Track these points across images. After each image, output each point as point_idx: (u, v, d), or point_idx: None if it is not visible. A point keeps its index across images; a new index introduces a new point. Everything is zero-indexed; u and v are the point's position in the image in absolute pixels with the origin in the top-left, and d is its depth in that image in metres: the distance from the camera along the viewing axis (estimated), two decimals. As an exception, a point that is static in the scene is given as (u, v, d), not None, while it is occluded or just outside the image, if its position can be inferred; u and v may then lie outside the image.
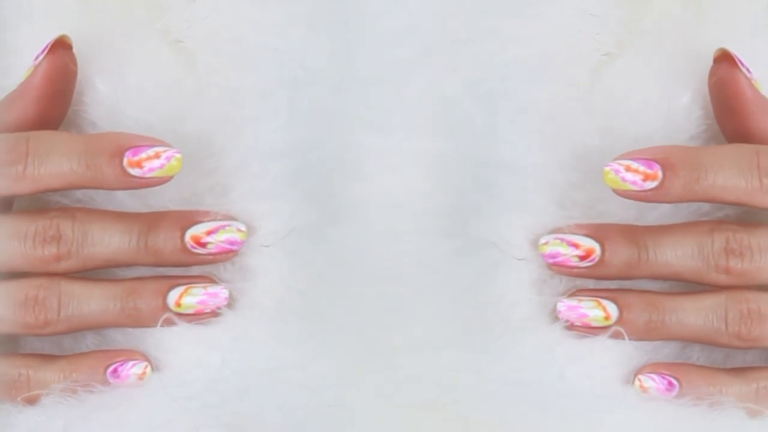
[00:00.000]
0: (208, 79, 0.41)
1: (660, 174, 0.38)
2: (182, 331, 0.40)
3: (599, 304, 0.40)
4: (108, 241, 0.39)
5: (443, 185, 0.40)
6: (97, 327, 0.40)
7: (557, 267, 0.40)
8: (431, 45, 0.40)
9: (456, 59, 0.40)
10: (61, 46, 0.40)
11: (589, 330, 0.40)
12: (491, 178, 0.40)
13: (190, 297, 0.40)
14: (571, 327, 0.40)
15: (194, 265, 0.40)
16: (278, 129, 0.40)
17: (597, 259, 0.39)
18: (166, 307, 0.40)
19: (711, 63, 0.40)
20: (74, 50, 0.40)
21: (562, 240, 0.40)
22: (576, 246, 0.39)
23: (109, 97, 0.41)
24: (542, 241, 0.40)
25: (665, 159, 0.38)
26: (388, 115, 0.40)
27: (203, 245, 0.39)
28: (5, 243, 0.39)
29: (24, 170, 0.38)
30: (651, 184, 0.38)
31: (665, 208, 0.41)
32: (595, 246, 0.39)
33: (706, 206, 0.41)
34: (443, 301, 0.40)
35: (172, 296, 0.40)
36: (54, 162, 0.38)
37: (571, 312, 0.40)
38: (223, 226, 0.40)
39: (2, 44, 0.42)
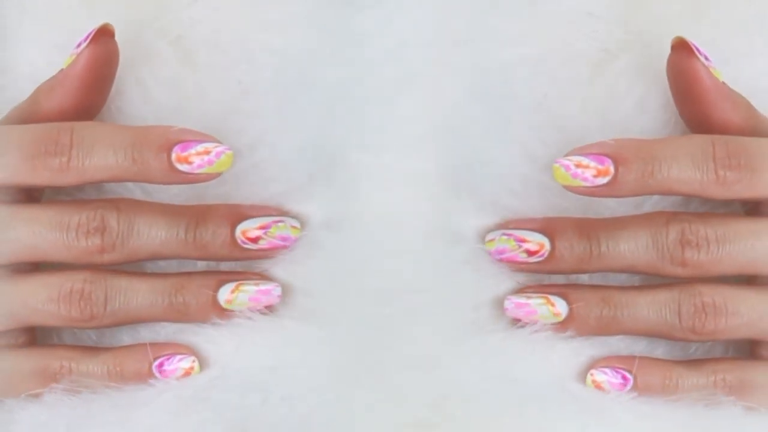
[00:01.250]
0: (208, 78, 0.41)
1: (612, 169, 0.37)
2: (186, 329, 0.40)
3: (548, 300, 0.39)
4: (154, 234, 0.38)
5: (442, 184, 0.40)
6: (142, 321, 0.40)
7: (506, 263, 0.39)
8: (431, 46, 0.40)
9: (456, 60, 0.40)
10: (104, 34, 0.39)
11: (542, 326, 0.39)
12: (490, 179, 0.40)
13: (243, 294, 0.39)
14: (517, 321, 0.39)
15: (242, 260, 0.40)
16: (276, 130, 0.40)
17: (547, 254, 0.39)
18: (216, 304, 0.39)
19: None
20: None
21: (509, 236, 0.39)
22: (523, 241, 0.39)
23: (110, 94, 0.41)
24: (488, 237, 0.39)
25: (617, 153, 0.37)
26: (395, 102, 0.40)
27: (254, 240, 0.39)
28: (47, 233, 0.38)
29: (68, 162, 0.37)
30: (603, 180, 0.37)
31: (658, 198, 0.41)
32: (544, 241, 0.39)
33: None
34: (441, 303, 0.40)
35: (223, 293, 0.39)
36: (99, 154, 0.37)
37: (518, 310, 0.39)
38: (277, 222, 0.39)
39: (2, 41, 0.42)
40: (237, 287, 0.39)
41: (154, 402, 0.39)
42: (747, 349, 0.41)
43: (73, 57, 0.39)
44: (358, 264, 0.40)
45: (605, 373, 0.39)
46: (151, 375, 0.39)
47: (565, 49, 0.40)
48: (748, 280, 0.40)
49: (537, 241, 0.39)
